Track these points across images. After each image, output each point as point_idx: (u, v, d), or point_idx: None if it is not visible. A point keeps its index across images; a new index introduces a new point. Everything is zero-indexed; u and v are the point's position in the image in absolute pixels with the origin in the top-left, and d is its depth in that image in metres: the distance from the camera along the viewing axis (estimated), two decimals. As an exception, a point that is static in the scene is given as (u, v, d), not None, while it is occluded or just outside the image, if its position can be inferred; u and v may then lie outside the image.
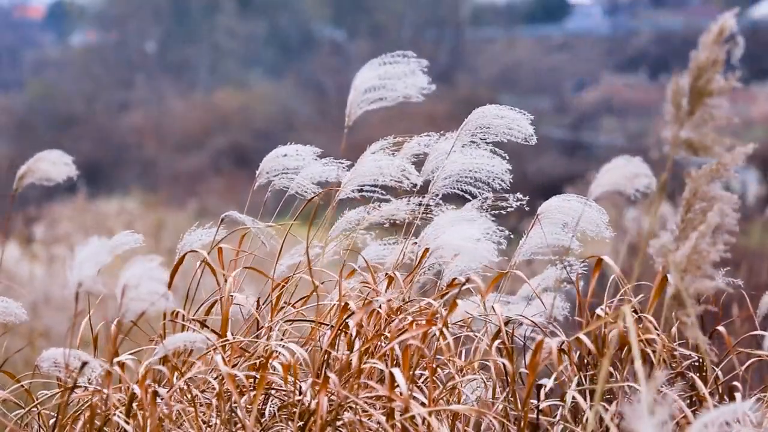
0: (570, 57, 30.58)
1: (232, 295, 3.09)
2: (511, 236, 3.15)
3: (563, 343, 2.98)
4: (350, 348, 2.93)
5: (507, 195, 3.19)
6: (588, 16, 33.26)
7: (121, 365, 2.86)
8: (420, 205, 3.23)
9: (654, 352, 3.03)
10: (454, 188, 3.20)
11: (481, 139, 3.18)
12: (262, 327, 3.11)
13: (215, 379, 2.91)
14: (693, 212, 2.51)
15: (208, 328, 3.14)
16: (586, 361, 3.02)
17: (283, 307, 3.18)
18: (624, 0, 34.40)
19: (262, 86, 29.82)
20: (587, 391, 2.99)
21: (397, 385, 2.73)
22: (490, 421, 2.94)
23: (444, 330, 2.87)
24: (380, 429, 2.77)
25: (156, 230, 14.80)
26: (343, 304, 2.96)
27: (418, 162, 3.24)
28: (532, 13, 33.95)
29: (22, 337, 8.33)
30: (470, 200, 3.21)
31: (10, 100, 29.59)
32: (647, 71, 29.50)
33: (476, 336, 3.14)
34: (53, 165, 2.97)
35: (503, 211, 3.19)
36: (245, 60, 32.16)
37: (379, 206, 3.26)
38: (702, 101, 2.38)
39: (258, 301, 3.19)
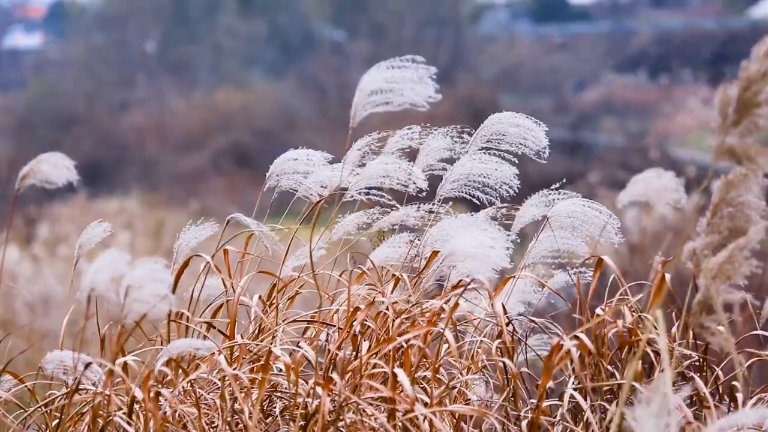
0: (570, 57, 30.57)
1: (240, 299, 3.10)
2: (518, 240, 3.16)
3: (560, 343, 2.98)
4: (354, 349, 2.93)
5: (516, 206, 3.21)
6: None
7: (124, 366, 2.87)
8: (430, 212, 3.24)
9: (655, 352, 3.04)
10: (462, 192, 3.22)
11: (496, 146, 3.20)
12: (266, 328, 3.11)
13: (219, 380, 2.91)
14: (719, 216, 2.53)
15: (215, 328, 3.14)
16: (585, 360, 3.02)
17: (290, 315, 3.19)
18: (624, 0, 34.39)
19: (262, 86, 29.81)
20: (588, 390, 2.99)
21: (401, 386, 2.73)
22: (491, 421, 2.94)
23: (447, 330, 2.88)
24: (382, 429, 2.77)
25: (156, 230, 14.80)
26: (353, 308, 2.96)
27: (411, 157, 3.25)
28: (533, 13, 33.96)
29: (24, 338, 8.33)
30: (476, 204, 3.22)
31: (10, 100, 29.59)
32: (647, 71, 29.49)
33: (479, 337, 3.15)
34: (54, 167, 2.97)
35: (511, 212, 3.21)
36: (246, 60, 32.15)
37: (389, 210, 3.27)
38: (749, 112, 2.40)
39: (263, 302, 3.19)
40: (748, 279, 2.53)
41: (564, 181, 3.28)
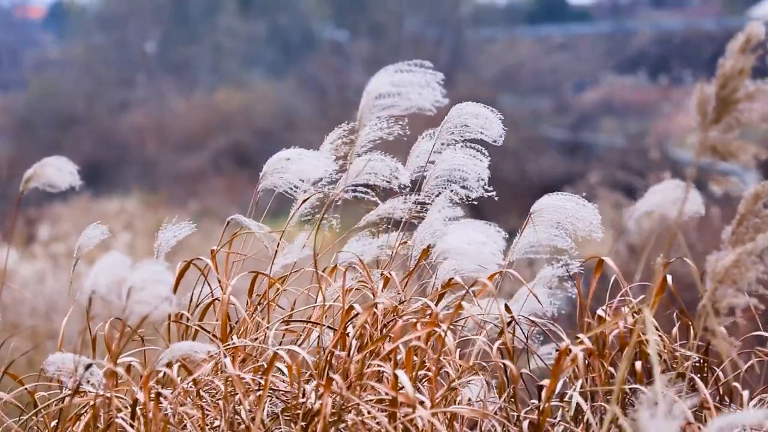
0: (570, 57, 30.57)
1: (229, 298, 3.11)
2: (506, 236, 3.17)
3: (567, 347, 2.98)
4: (345, 348, 2.93)
5: (488, 193, 3.22)
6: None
7: (128, 367, 2.87)
8: (417, 203, 3.25)
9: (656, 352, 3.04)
10: (445, 187, 3.23)
11: (460, 137, 3.23)
12: (259, 328, 3.12)
13: (221, 381, 2.91)
14: (745, 226, 2.55)
15: (208, 332, 3.15)
16: (587, 362, 3.02)
17: (280, 313, 3.19)
18: (624, 0, 34.40)
19: (262, 86, 29.81)
20: (588, 393, 2.99)
21: (401, 387, 2.73)
22: (491, 422, 2.94)
23: (448, 332, 2.88)
24: (382, 430, 2.77)
25: (156, 230, 14.77)
26: (347, 306, 2.97)
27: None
28: (533, 13, 33.95)
29: (27, 339, 8.33)
30: (458, 199, 3.23)
31: (10, 100, 29.59)
32: (647, 71, 29.50)
33: (476, 337, 3.15)
34: (58, 171, 2.99)
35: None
36: (246, 60, 32.15)
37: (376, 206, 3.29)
38: (728, 109, 2.40)
39: (250, 299, 3.20)
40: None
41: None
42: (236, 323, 3.16)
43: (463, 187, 3.22)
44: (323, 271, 3.25)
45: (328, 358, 2.94)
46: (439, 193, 3.25)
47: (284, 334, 3.20)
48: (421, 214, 3.26)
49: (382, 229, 3.35)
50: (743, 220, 2.57)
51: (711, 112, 2.41)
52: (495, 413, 2.96)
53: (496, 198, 3.19)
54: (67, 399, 2.89)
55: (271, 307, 3.19)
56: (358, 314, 2.94)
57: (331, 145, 3.28)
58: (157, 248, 3.26)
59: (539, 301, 3.28)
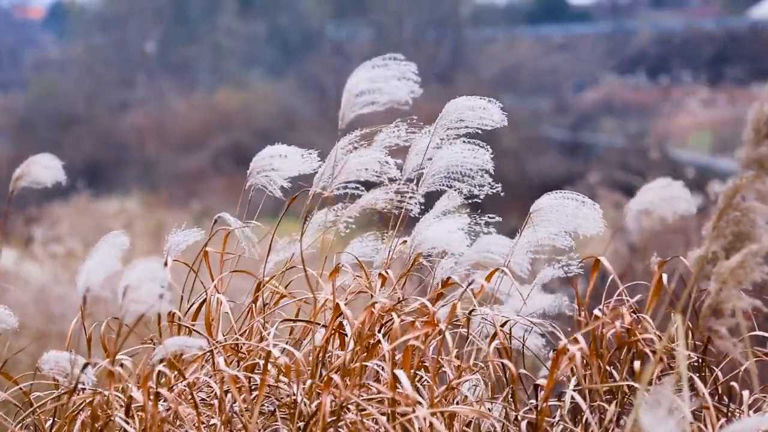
0: (570, 57, 30.58)
1: (218, 297, 3.11)
2: (488, 219, 3.17)
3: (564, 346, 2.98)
4: (345, 348, 2.93)
5: (490, 189, 3.21)
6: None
7: (121, 365, 2.87)
8: (397, 192, 3.24)
9: (653, 352, 3.04)
10: (443, 184, 3.22)
11: (457, 132, 3.22)
12: (251, 327, 3.12)
13: (211, 379, 2.91)
14: (725, 220, 2.55)
15: (199, 332, 3.14)
16: (585, 361, 3.02)
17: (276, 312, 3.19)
18: (624, 0, 34.43)
19: (262, 86, 29.82)
20: (586, 391, 2.99)
21: (399, 383, 2.73)
22: (491, 422, 2.94)
23: (446, 332, 2.88)
24: (382, 429, 2.77)
25: (156, 231, 14.80)
26: (335, 304, 2.96)
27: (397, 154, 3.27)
28: (533, 13, 33.97)
29: (28, 338, 8.33)
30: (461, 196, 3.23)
31: (10, 100, 29.62)
32: (647, 71, 29.52)
33: (474, 337, 3.15)
34: (45, 169, 3.01)
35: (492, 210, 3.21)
36: (246, 60, 32.16)
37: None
38: None
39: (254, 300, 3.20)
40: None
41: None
42: (247, 324, 3.16)
43: (463, 183, 3.21)
44: (326, 272, 3.25)
45: (320, 356, 2.93)
46: (439, 190, 3.25)
47: (290, 334, 3.20)
48: (405, 205, 3.25)
49: (383, 230, 3.34)
50: (723, 213, 2.57)
51: (763, 128, 2.44)
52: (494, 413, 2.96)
53: (501, 194, 3.18)
54: (64, 397, 2.89)
55: (264, 307, 3.19)
56: (342, 313, 2.94)
57: (342, 151, 3.27)
58: (166, 251, 3.26)
59: (525, 302, 3.28)
